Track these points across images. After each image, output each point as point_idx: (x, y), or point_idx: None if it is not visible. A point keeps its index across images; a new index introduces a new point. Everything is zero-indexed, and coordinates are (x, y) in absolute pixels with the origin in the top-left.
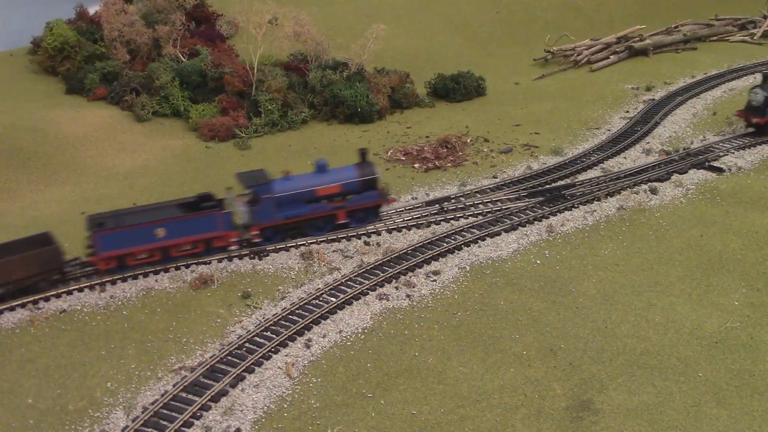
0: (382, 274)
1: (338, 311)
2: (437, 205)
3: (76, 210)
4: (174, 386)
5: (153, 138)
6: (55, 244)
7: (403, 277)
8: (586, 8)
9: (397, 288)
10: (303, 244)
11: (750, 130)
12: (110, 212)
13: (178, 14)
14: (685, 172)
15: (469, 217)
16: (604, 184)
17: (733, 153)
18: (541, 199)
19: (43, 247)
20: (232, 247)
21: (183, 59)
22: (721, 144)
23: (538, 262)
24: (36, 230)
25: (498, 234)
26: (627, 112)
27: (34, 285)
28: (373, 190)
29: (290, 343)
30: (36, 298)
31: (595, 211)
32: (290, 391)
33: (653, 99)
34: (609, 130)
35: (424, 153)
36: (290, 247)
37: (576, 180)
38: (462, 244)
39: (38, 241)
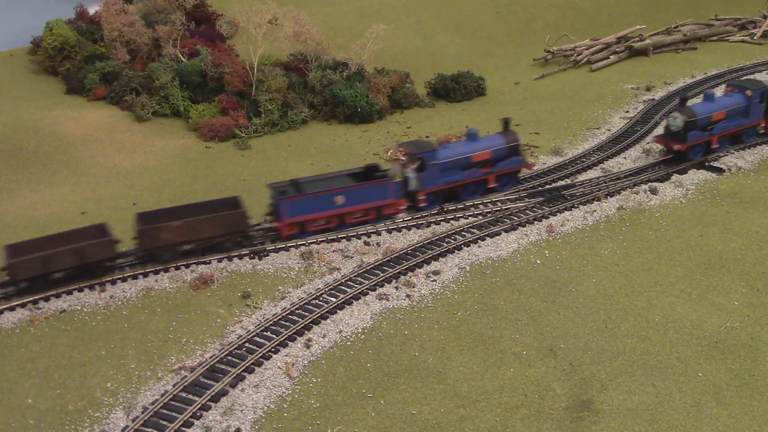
0: (382, 274)
1: (338, 311)
2: (439, 206)
3: (76, 210)
4: (174, 386)
5: (153, 138)
6: (243, 208)
7: (403, 277)
8: (586, 8)
9: (397, 288)
10: (303, 244)
11: (669, 156)
12: (289, 181)
13: (178, 14)
14: (685, 172)
15: (469, 217)
16: (604, 184)
17: (733, 153)
18: (541, 199)
19: (232, 210)
20: (400, 215)
21: (183, 59)
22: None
23: (538, 262)
24: (36, 230)
25: (498, 234)
26: (627, 112)
27: (220, 245)
28: (517, 156)
29: (290, 343)
30: (36, 298)
31: (595, 211)
32: (290, 391)
33: (653, 99)
34: (609, 130)
35: None
36: (290, 247)
37: (576, 180)
38: (462, 244)
39: (228, 204)
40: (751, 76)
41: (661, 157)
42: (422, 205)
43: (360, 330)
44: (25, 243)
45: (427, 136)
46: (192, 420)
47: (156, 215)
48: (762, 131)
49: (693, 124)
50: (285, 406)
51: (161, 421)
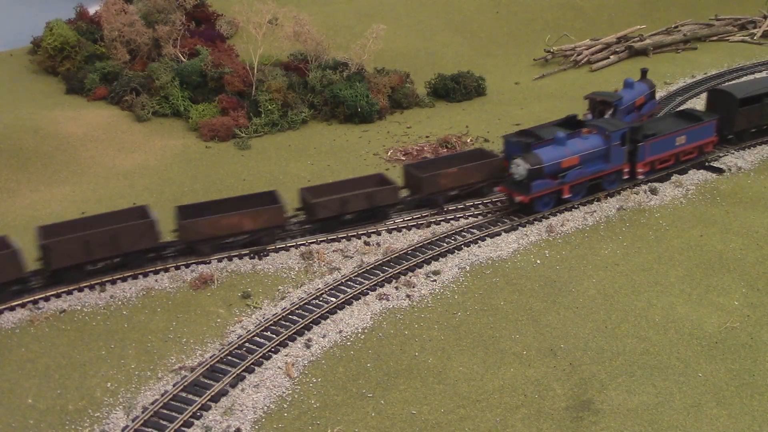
0: (382, 274)
1: (338, 311)
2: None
3: (76, 210)
4: (174, 386)
5: (153, 138)
6: (497, 157)
7: (403, 277)
8: (586, 8)
9: (397, 288)
10: (303, 244)
11: (514, 207)
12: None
13: (178, 14)
14: (685, 172)
15: (469, 218)
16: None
17: (733, 153)
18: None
19: (491, 158)
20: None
21: (183, 59)
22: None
23: (538, 262)
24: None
25: (498, 234)
26: None
27: (479, 190)
28: (654, 99)
29: (290, 343)
30: (36, 298)
31: (595, 211)
32: (290, 391)
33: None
34: None
35: (424, 153)
36: (290, 247)
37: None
38: (462, 244)
39: (483, 154)
40: (752, 75)
41: (508, 206)
42: None
43: (360, 330)
44: (319, 186)
45: (427, 137)
46: (192, 420)
47: (426, 164)
48: (626, 176)
49: (538, 173)
50: (285, 406)
51: (161, 421)
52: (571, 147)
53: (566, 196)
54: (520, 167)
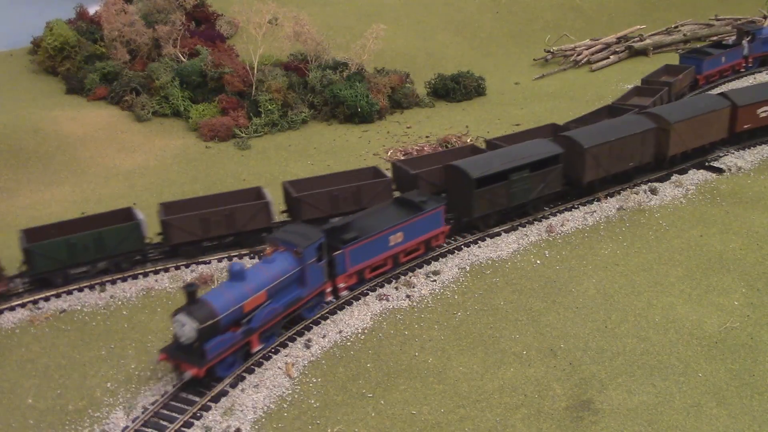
0: (382, 275)
1: (338, 311)
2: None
3: (76, 210)
4: (174, 386)
5: (153, 138)
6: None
7: (403, 277)
8: (586, 8)
9: (397, 288)
10: None
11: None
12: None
13: (178, 14)
14: (685, 172)
15: None
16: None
17: (733, 153)
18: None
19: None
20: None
21: (183, 59)
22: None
23: (538, 262)
24: None
25: (498, 234)
26: None
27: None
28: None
29: (290, 343)
30: (36, 298)
31: (595, 211)
32: (290, 391)
33: None
34: None
35: (424, 153)
36: None
37: None
38: (462, 245)
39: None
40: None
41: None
42: (749, 65)
43: (360, 330)
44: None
45: (427, 137)
46: (192, 420)
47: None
48: (330, 298)
49: (212, 329)
50: (285, 406)
51: (161, 421)
52: (252, 280)
53: (256, 348)
54: (185, 327)
